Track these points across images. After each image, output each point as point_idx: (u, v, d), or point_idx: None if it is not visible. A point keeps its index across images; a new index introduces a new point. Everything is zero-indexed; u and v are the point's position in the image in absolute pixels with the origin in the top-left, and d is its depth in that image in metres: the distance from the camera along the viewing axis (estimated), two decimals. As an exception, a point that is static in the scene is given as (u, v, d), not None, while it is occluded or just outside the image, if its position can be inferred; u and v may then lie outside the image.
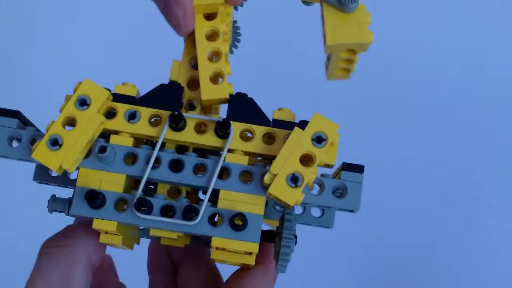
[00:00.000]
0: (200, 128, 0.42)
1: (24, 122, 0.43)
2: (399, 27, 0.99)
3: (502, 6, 1.03)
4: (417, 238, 0.94)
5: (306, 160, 0.41)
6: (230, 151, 0.42)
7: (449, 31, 1.02)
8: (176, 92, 0.43)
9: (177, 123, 0.41)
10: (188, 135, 0.42)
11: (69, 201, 0.44)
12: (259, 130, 0.42)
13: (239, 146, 0.42)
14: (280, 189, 0.40)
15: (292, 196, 0.40)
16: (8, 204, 0.92)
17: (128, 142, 0.41)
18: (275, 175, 0.40)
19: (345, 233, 0.89)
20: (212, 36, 0.44)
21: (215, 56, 0.43)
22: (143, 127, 0.42)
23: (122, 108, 0.42)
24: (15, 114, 0.42)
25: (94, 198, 0.39)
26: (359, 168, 0.42)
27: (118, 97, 0.42)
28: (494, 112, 0.99)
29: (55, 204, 0.44)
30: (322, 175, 0.43)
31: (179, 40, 0.47)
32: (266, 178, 0.40)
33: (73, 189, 0.42)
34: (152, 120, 0.42)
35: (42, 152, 0.39)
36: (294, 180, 0.40)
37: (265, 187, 0.41)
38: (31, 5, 1.02)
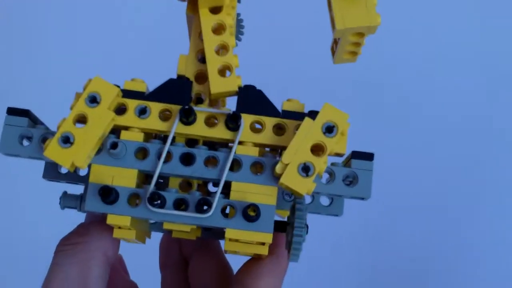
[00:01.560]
0: (210, 121, 0.43)
1: (34, 120, 0.43)
2: (407, 22, 0.99)
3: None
4: (417, 239, 0.94)
5: (317, 149, 0.41)
6: (240, 143, 0.42)
7: (462, 27, 1.02)
8: (185, 86, 0.43)
9: (187, 117, 0.41)
10: (199, 129, 0.42)
11: (81, 197, 0.44)
12: (269, 122, 0.42)
13: (249, 138, 0.42)
14: (292, 179, 0.40)
15: (304, 186, 0.40)
16: (15, 202, 0.92)
17: (139, 137, 0.42)
18: (287, 164, 0.40)
19: (345, 233, 0.90)
20: (218, 29, 0.44)
21: (222, 49, 0.44)
22: (154, 122, 0.42)
23: (132, 104, 0.42)
24: (25, 113, 0.42)
25: (108, 194, 0.40)
26: (369, 156, 0.43)
27: (128, 93, 0.42)
28: (499, 112, 1.00)
29: (67, 200, 0.44)
30: (332, 164, 0.43)
31: (185, 35, 0.47)
32: (278, 168, 0.40)
33: (84, 185, 0.43)
34: (162, 114, 0.43)
35: (54, 150, 0.40)
36: (306, 169, 0.40)
37: (276, 177, 0.41)
38: (37, 5, 1.02)
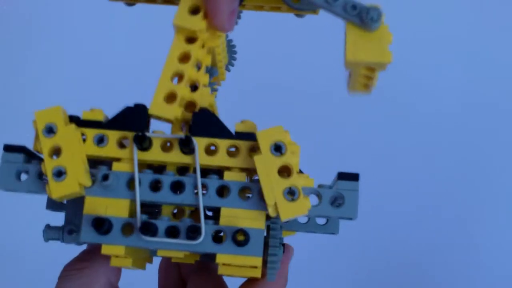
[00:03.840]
0: (166, 146, 0.44)
1: (30, 155, 0.45)
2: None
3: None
4: (418, 239, 0.94)
5: (284, 171, 0.42)
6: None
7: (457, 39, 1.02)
8: (141, 113, 0.44)
9: (141, 144, 0.42)
10: (155, 154, 0.43)
11: (63, 228, 0.45)
12: (223, 144, 0.43)
13: (204, 161, 0.43)
14: (288, 210, 0.41)
15: (301, 207, 0.41)
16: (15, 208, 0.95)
17: (130, 168, 0.43)
18: (275, 203, 0.41)
19: (345, 236, 0.90)
20: (183, 58, 0.44)
21: (178, 77, 0.44)
22: (111, 150, 0.43)
23: (91, 133, 0.44)
24: (20, 149, 0.44)
25: (101, 225, 0.41)
26: (354, 177, 0.43)
27: (87, 123, 0.44)
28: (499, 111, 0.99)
29: (50, 232, 0.46)
30: (319, 186, 0.44)
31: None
32: (271, 212, 0.41)
33: (65, 216, 0.45)
34: (121, 142, 0.44)
35: (57, 188, 0.41)
36: (291, 193, 0.41)
37: (264, 201, 0.42)
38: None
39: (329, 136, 0.96)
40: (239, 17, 0.54)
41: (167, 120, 0.44)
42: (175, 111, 0.43)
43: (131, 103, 0.45)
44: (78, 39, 1.04)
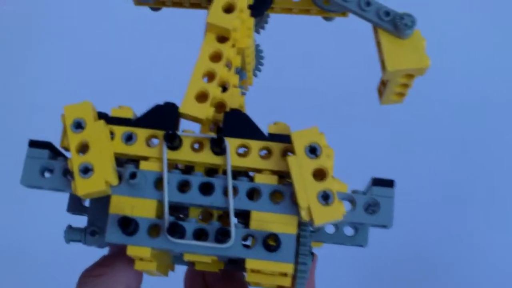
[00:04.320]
0: (196, 146, 0.43)
1: (55, 152, 0.43)
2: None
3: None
4: (419, 238, 0.94)
5: (319, 174, 0.41)
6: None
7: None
8: (171, 111, 0.43)
9: (172, 142, 0.41)
10: (185, 154, 0.42)
11: (85, 230, 0.44)
12: (255, 145, 0.42)
13: (235, 162, 0.42)
14: (323, 215, 0.39)
15: (336, 212, 0.40)
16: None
17: (158, 167, 0.42)
18: (308, 207, 0.40)
19: None
20: (214, 57, 0.43)
21: (209, 76, 0.43)
22: (140, 148, 0.42)
23: (119, 131, 0.42)
24: (46, 145, 0.42)
25: (127, 225, 0.40)
26: (389, 183, 0.42)
27: (115, 120, 0.43)
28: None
29: (72, 233, 0.44)
30: (353, 191, 0.42)
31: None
32: (303, 215, 0.40)
33: (88, 217, 0.43)
34: (150, 140, 0.43)
35: (83, 185, 0.40)
36: (325, 197, 0.40)
37: (296, 205, 0.40)
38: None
39: (351, 137, 0.96)
40: (266, 22, 0.54)
41: (198, 120, 0.43)
42: (207, 110, 0.42)
43: (154, 102, 0.43)
44: (84, 39, 1.04)
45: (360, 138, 0.97)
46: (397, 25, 0.43)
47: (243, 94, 0.52)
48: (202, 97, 0.42)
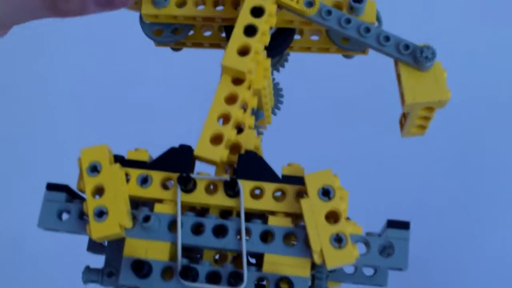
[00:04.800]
0: (210, 189, 0.43)
1: (72, 194, 0.44)
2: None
3: None
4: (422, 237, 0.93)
5: (332, 216, 0.40)
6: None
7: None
8: (185, 154, 0.43)
9: (186, 185, 0.42)
10: (199, 196, 0.42)
11: (102, 271, 0.44)
12: (269, 187, 0.42)
13: (249, 204, 0.42)
14: (335, 258, 0.39)
15: (348, 256, 0.39)
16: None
17: (172, 209, 0.42)
18: (321, 250, 0.39)
19: None
20: (230, 99, 0.44)
21: (224, 118, 0.43)
22: (155, 191, 0.43)
23: (135, 173, 0.43)
24: (63, 188, 0.43)
25: (140, 268, 0.40)
26: (404, 225, 0.41)
27: (131, 163, 0.43)
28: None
29: (89, 274, 0.44)
30: (367, 234, 0.42)
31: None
32: (316, 259, 0.39)
33: (105, 258, 0.44)
34: (165, 183, 0.43)
35: (97, 229, 0.41)
36: (338, 240, 0.39)
37: (309, 248, 0.40)
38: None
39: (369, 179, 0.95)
40: (286, 60, 0.54)
41: (213, 162, 0.43)
42: (221, 153, 0.42)
43: (175, 144, 0.44)
44: (105, 79, 1.07)
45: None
46: (417, 58, 0.43)
47: (261, 133, 0.52)
48: (216, 139, 0.43)
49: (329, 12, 0.45)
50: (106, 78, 1.06)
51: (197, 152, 0.42)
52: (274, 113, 0.54)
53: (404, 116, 0.47)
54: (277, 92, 0.54)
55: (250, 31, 0.44)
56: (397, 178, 0.97)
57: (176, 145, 0.44)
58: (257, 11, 0.44)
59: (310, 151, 0.85)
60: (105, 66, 1.06)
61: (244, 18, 0.44)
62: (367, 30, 0.45)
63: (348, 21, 0.45)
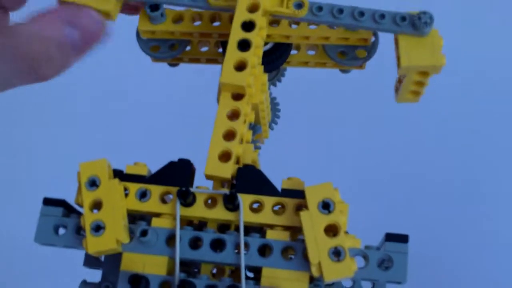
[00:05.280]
0: (209, 203, 0.43)
1: (69, 209, 0.44)
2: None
3: None
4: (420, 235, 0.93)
5: (331, 230, 0.40)
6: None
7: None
8: (184, 168, 0.43)
9: (185, 199, 0.41)
10: (199, 210, 0.42)
11: (99, 285, 0.44)
12: (269, 201, 0.42)
13: (248, 218, 0.41)
14: (333, 271, 0.39)
15: (346, 269, 0.39)
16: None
17: (169, 224, 0.42)
18: (319, 263, 0.39)
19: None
20: (232, 116, 0.44)
21: (230, 135, 0.43)
22: (154, 205, 0.42)
23: (134, 188, 0.43)
24: (60, 203, 0.43)
25: (138, 282, 0.40)
26: (403, 238, 0.41)
27: (129, 177, 0.43)
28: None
29: None
30: (366, 247, 0.42)
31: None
32: (314, 272, 0.39)
33: (102, 272, 0.43)
34: (164, 197, 0.43)
35: (94, 243, 0.40)
36: (337, 254, 0.39)
37: (308, 262, 0.40)
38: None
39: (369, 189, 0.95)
40: (283, 75, 0.54)
41: (224, 180, 0.43)
42: (231, 169, 0.42)
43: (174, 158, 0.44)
44: (104, 94, 1.06)
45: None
46: (416, 25, 0.44)
47: (258, 148, 0.52)
48: (224, 156, 0.43)
49: (320, 8, 0.46)
50: (106, 92, 1.06)
51: (207, 171, 0.42)
52: (271, 128, 0.54)
53: (399, 82, 0.48)
54: (274, 106, 0.54)
55: (244, 45, 0.44)
56: (396, 189, 0.97)
57: (175, 159, 0.44)
58: (248, 26, 0.44)
59: (307, 166, 0.85)
60: (105, 79, 1.06)
61: (236, 33, 0.44)
62: (361, 14, 0.45)
63: (341, 11, 0.46)
